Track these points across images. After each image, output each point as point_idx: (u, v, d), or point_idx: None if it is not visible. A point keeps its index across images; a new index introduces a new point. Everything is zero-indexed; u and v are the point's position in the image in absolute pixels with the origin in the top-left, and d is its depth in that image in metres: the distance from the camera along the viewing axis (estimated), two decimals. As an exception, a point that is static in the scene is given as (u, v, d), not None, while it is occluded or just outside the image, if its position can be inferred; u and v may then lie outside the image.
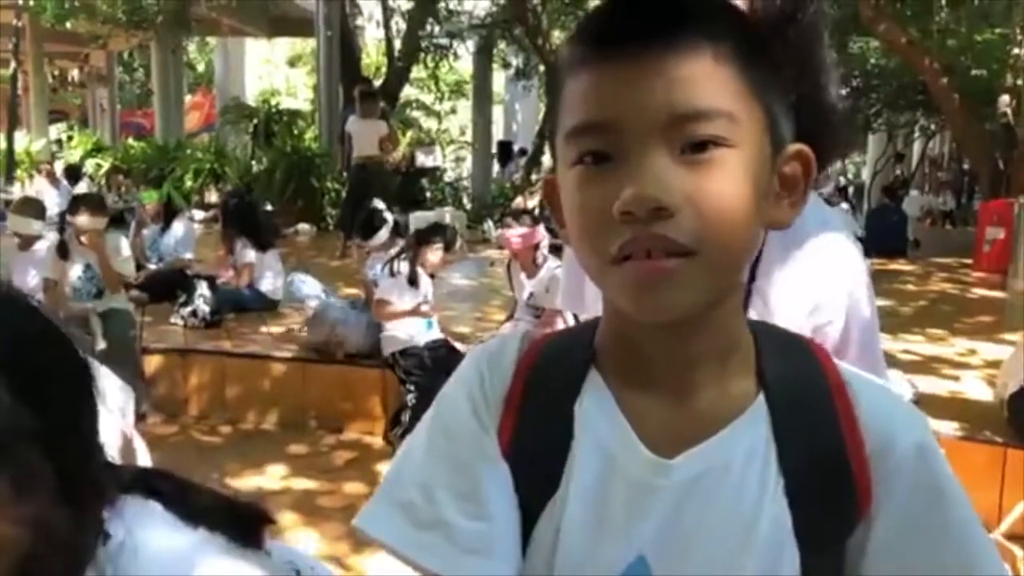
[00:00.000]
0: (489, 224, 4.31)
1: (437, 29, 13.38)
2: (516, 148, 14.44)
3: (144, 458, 1.46)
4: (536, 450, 0.63)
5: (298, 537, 3.08)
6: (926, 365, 4.55)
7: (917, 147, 18.39)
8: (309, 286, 4.84)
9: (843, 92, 0.88)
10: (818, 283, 0.97)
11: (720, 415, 0.61)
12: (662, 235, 0.54)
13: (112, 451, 1.23)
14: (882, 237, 9.41)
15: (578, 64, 0.58)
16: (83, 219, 4.27)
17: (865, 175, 17.03)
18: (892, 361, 4.72)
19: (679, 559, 0.60)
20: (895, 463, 0.59)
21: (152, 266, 5.80)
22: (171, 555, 0.67)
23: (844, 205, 10.68)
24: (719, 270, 0.57)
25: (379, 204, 5.18)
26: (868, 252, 9.32)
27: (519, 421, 0.64)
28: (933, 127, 16.39)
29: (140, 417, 4.23)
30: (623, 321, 0.60)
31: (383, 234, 4.84)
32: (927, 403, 3.58)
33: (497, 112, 16.97)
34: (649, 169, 0.54)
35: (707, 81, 0.55)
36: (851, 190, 14.68)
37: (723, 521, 0.59)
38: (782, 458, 0.60)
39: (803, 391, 0.62)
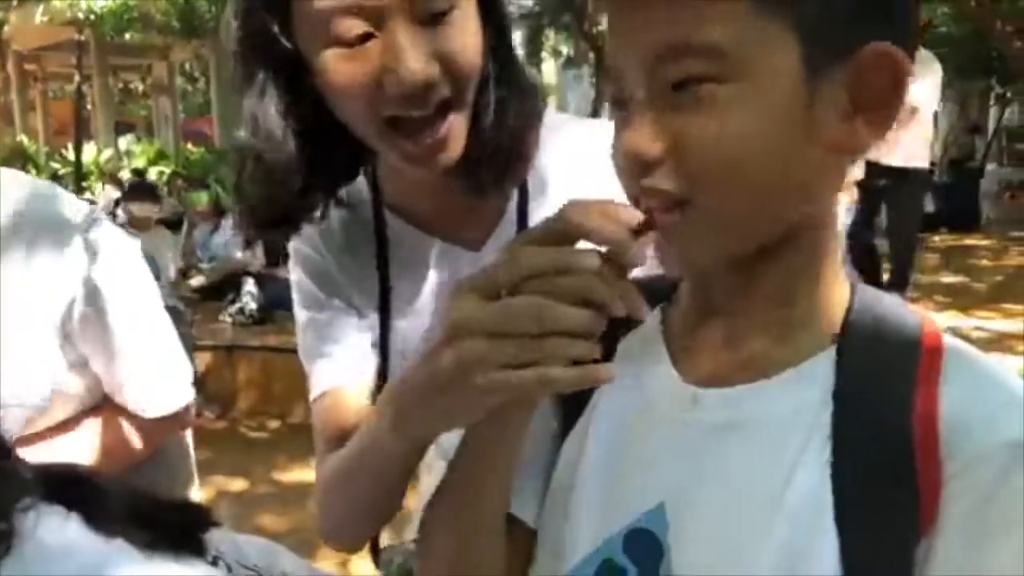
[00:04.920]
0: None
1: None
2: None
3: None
4: None
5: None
6: (1000, 343, 4.31)
7: (992, 117, 17.52)
8: None
9: None
10: None
11: (773, 362, 0.53)
12: (650, 187, 0.50)
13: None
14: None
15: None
16: (134, 206, 4.43)
17: (937, 149, 16.31)
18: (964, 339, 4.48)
19: (702, 513, 0.53)
20: (966, 462, 0.47)
21: (204, 266, 5.91)
22: (65, 553, 0.61)
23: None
24: (727, 217, 0.51)
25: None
26: (939, 227, 9.03)
27: None
28: (1009, 95, 15.60)
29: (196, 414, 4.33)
30: None
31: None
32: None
33: (549, 102, 16.87)
34: (635, 118, 0.51)
35: (693, 12, 0.48)
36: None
37: (755, 478, 0.51)
38: (836, 424, 0.50)
39: (883, 357, 0.52)
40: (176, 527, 0.67)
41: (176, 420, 1.18)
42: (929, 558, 0.48)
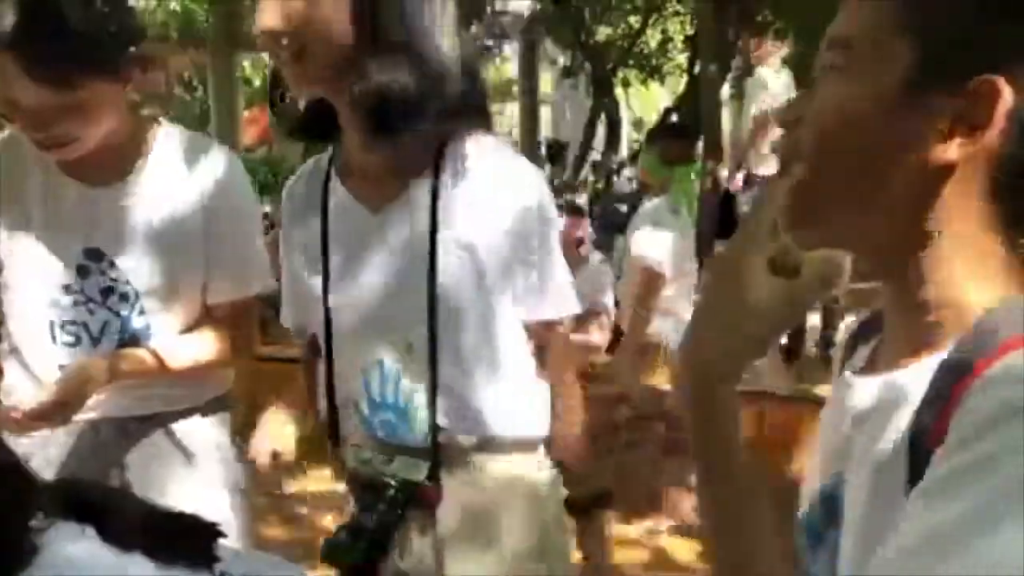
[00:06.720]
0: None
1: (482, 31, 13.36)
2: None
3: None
4: None
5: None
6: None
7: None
8: None
9: None
10: None
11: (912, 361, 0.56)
12: (778, 147, 0.63)
13: None
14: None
15: None
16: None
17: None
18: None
19: (850, 493, 0.58)
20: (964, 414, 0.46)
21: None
22: (82, 565, 0.62)
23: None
24: (822, 187, 0.57)
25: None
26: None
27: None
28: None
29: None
30: None
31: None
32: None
33: (545, 112, 16.89)
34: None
35: (852, 8, 0.57)
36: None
37: (881, 464, 0.55)
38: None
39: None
40: (187, 539, 0.68)
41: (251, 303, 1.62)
42: None
